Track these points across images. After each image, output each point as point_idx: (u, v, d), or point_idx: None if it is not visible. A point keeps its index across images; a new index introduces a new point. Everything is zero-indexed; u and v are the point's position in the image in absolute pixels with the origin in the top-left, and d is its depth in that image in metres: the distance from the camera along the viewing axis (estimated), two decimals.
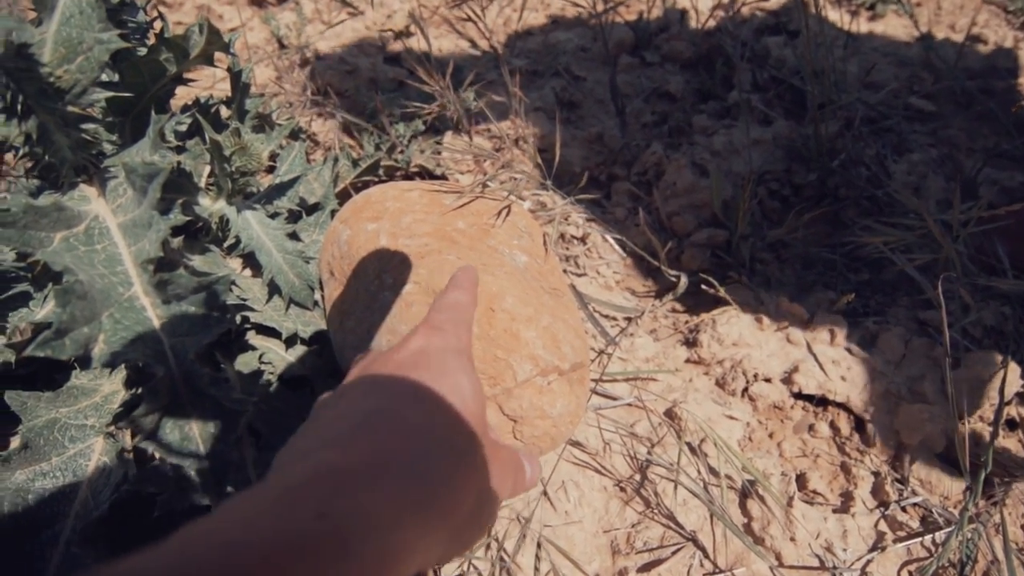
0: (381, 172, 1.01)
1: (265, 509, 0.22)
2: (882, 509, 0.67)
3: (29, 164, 0.60)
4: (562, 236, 1.01)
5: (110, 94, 0.57)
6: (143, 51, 0.69)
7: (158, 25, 0.70)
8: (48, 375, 0.68)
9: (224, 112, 0.80)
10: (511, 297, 0.54)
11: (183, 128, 0.78)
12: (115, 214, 0.57)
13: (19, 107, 0.51)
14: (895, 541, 0.64)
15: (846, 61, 1.40)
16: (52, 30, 0.55)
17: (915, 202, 0.85)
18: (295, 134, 1.03)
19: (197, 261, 0.69)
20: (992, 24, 1.56)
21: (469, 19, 1.38)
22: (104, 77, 0.61)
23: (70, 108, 0.54)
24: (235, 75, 0.74)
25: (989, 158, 1.16)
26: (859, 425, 0.75)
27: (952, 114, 1.29)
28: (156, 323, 0.49)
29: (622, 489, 0.69)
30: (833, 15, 1.59)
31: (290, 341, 0.73)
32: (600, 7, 1.60)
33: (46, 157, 0.56)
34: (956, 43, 1.48)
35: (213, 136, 0.63)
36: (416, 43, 1.47)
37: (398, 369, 0.32)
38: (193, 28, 0.65)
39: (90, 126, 0.59)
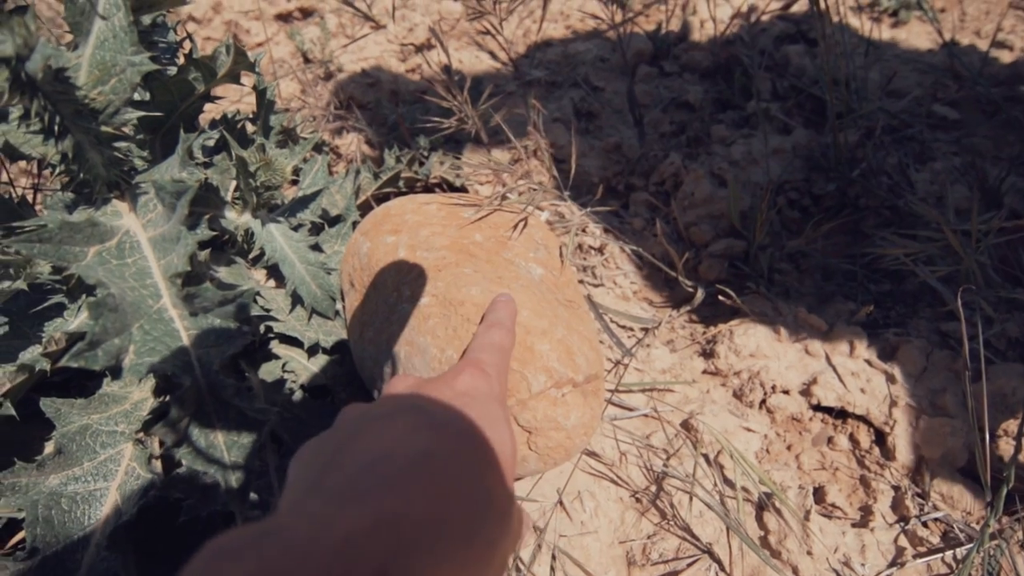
0: (401, 184, 1.03)
1: (329, 558, 0.22)
2: (902, 524, 0.67)
3: (65, 180, 0.63)
4: (580, 246, 1.01)
5: (142, 113, 0.60)
6: (173, 70, 0.72)
7: (187, 45, 0.73)
8: (81, 382, 0.70)
9: (250, 128, 0.83)
10: (526, 310, 0.55)
11: (211, 143, 0.81)
12: (145, 229, 0.59)
13: (56, 127, 0.54)
14: (915, 557, 0.64)
15: (868, 69, 1.39)
16: (87, 54, 0.58)
17: (934, 213, 0.84)
18: (318, 147, 1.06)
19: (223, 273, 0.71)
20: (1018, 30, 1.54)
21: (488, 32, 1.40)
22: (136, 96, 0.64)
23: (104, 128, 0.57)
24: (260, 93, 0.76)
25: (1014, 166, 1.14)
26: (879, 438, 0.75)
27: (977, 122, 1.27)
28: (184, 334, 0.51)
29: (638, 500, 0.69)
30: (855, 22, 1.58)
31: (312, 350, 0.75)
32: (619, 18, 1.61)
33: (81, 174, 0.59)
34: (981, 49, 1.46)
35: (239, 152, 0.65)
36: (437, 56, 1.49)
37: (449, 408, 0.33)
38: (220, 48, 0.68)
39: (122, 144, 0.61)
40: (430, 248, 0.64)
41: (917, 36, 1.59)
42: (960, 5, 1.69)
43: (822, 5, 1.03)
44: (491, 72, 1.50)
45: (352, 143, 1.21)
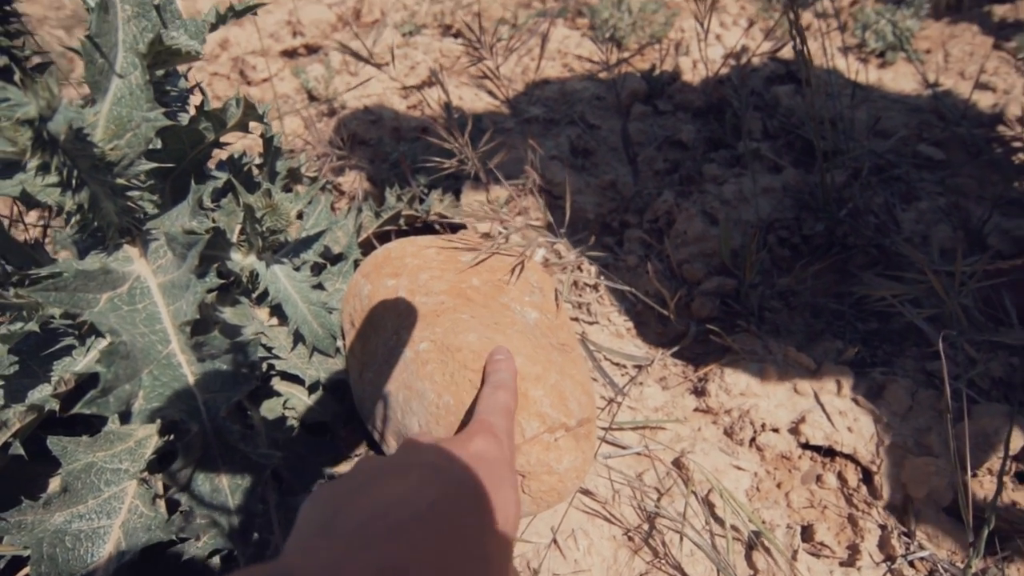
0: (402, 222, 1.06)
1: None
2: (888, 563, 0.68)
3: (79, 226, 0.65)
4: (575, 283, 1.04)
5: (155, 165, 0.63)
6: (184, 118, 0.75)
7: (199, 97, 0.76)
8: (87, 419, 0.72)
9: (256, 170, 0.86)
10: (521, 356, 0.57)
11: (219, 184, 0.83)
12: (156, 274, 0.61)
13: (73, 181, 0.57)
14: None
15: (855, 109, 1.44)
16: (104, 110, 0.61)
17: (918, 255, 0.87)
18: (322, 186, 1.09)
19: (228, 313, 0.73)
20: (1001, 72, 1.59)
21: (486, 76, 1.44)
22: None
23: (118, 180, 0.60)
24: (267, 140, 0.79)
25: (998, 206, 1.18)
26: (866, 477, 0.76)
27: (961, 162, 1.31)
28: (191, 379, 0.53)
29: (630, 539, 0.70)
30: (842, 63, 1.63)
31: (312, 388, 0.76)
32: (613, 59, 1.66)
33: (95, 222, 0.62)
34: (965, 90, 1.51)
35: (246, 200, 0.68)
36: (438, 93, 1.54)
37: (462, 468, 0.35)
38: (231, 101, 0.71)
39: (135, 193, 0.64)
40: (429, 292, 0.67)
41: (904, 77, 1.64)
42: (944, 47, 1.75)
43: (806, 50, 1.07)
44: (491, 109, 1.54)
45: (354, 180, 1.25)
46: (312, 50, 1.88)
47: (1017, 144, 1.34)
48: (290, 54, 1.86)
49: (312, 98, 1.55)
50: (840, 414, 0.79)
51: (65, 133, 0.51)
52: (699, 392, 0.84)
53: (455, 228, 1.15)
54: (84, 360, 0.66)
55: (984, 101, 1.49)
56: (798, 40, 0.97)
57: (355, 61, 1.68)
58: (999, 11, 1.94)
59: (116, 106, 0.61)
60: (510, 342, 0.59)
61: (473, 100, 1.57)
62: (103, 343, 0.66)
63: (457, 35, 1.89)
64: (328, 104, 1.51)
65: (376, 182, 1.26)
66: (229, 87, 1.71)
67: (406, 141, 1.38)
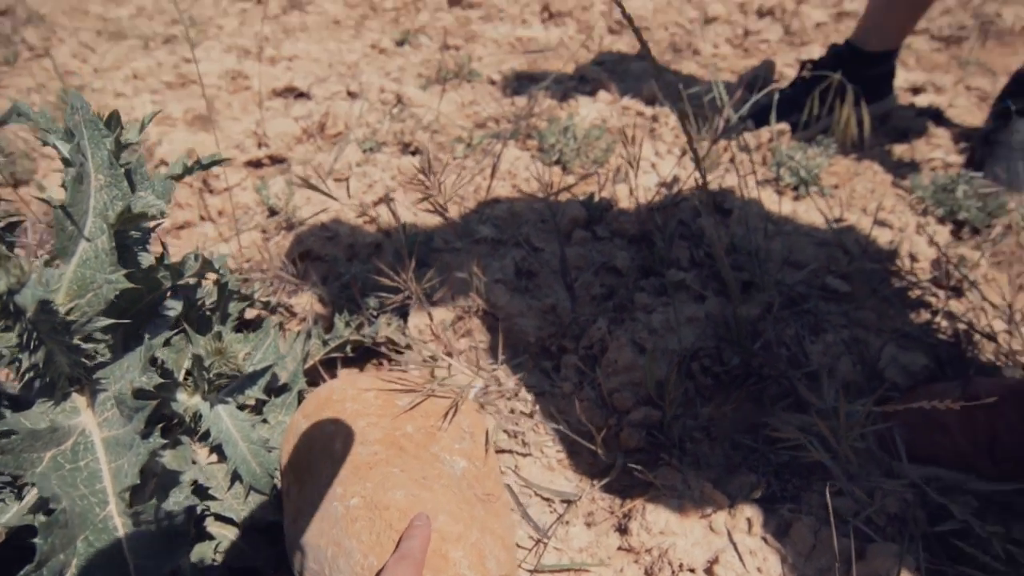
0: (349, 348, 1.11)
1: None
2: None
3: (29, 377, 0.68)
4: (512, 411, 1.10)
5: (112, 321, 0.67)
6: (146, 258, 0.81)
7: (158, 249, 0.82)
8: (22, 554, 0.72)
9: (209, 312, 0.91)
10: (444, 515, 0.61)
11: (171, 326, 0.87)
12: (101, 428, 0.64)
13: (32, 343, 0.60)
14: None
15: (770, 241, 1.59)
16: (69, 273, 0.66)
17: (811, 396, 0.96)
18: (272, 309, 1.14)
19: (168, 457, 0.75)
20: (897, 210, 1.79)
21: (435, 210, 1.54)
22: None
23: (75, 340, 0.64)
24: (221, 286, 0.85)
25: (896, 338, 1.31)
26: None
27: (865, 295, 1.46)
28: (125, 544, 0.55)
29: None
30: (761, 195, 1.81)
31: (247, 531, 0.78)
32: (556, 185, 1.81)
33: (47, 376, 0.65)
34: (868, 226, 1.70)
35: (196, 351, 0.73)
36: (390, 215, 1.63)
37: None
38: (189, 255, 0.77)
39: (89, 346, 0.68)
40: (364, 441, 0.71)
41: (815, 210, 1.83)
42: (850, 183, 1.97)
43: (706, 194, 1.21)
44: (442, 227, 1.64)
45: (307, 302, 1.30)
46: (276, 160, 1.97)
47: (911, 279, 1.51)
48: (255, 164, 1.95)
49: (272, 212, 1.62)
50: (751, 554, 0.85)
51: (32, 309, 0.55)
52: (622, 530, 0.89)
53: (400, 351, 1.21)
54: (14, 510, 0.67)
55: (883, 237, 1.67)
56: (701, 188, 1.10)
57: (315, 175, 1.77)
58: (897, 150, 2.20)
59: (81, 267, 0.66)
60: (436, 498, 0.63)
61: (427, 217, 1.68)
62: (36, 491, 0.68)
63: (415, 153, 2.03)
64: (287, 219, 1.58)
65: (327, 303, 1.32)
66: (191, 195, 1.77)
67: (359, 260, 1.46)
